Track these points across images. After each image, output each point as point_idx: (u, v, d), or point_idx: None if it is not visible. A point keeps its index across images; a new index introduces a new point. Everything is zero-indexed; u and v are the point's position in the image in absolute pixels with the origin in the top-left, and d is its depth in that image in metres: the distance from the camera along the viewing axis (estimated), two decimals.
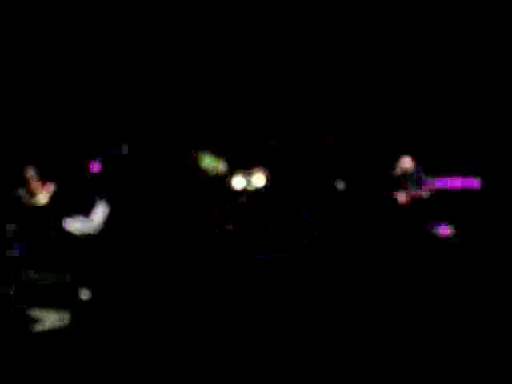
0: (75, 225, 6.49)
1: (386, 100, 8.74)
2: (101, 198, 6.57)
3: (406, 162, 7.80)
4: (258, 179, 7.11)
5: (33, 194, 6.70)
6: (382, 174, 7.68)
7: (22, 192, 6.64)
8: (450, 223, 7.40)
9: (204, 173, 7.22)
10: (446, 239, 7.14)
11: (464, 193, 7.64)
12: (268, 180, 7.15)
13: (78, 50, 8.17)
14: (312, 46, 8.40)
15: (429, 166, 7.88)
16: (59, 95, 8.02)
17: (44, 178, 6.80)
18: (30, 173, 6.73)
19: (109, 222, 6.50)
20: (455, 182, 7.89)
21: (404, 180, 7.81)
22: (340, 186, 7.34)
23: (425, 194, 7.62)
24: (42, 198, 6.73)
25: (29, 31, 8.11)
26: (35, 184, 6.72)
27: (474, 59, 8.52)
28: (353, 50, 8.55)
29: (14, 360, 4.95)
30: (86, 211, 6.54)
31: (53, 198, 6.69)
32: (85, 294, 5.87)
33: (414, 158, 7.67)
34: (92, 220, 6.54)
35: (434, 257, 6.63)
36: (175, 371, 4.81)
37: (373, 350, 4.88)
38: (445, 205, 7.54)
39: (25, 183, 6.70)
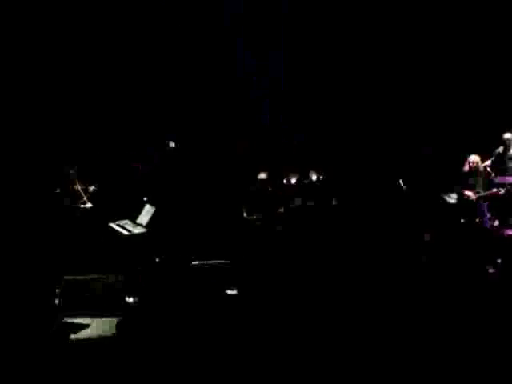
0: (124, 225, 6.39)
1: (453, 99, 8.67)
2: (147, 199, 6.49)
3: (475, 160, 7.55)
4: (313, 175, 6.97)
5: (77, 196, 6.68)
6: (451, 173, 7.52)
7: (66, 194, 6.64)
8: None
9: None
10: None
11: None
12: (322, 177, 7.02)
13: (127, 51, 8.22)
14: None
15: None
16: (105, 98, 8.07)
17: (88, 180, 6.80)
18: (72, 175, 6.75)
19: (156, 222, 6.35)
20: None
21: (472, 178, 7.57)
22: (404, 185, 7.13)
23: (501, 191, 7.36)
24: (87, 200, 6.69)
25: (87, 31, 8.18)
26: (79, 186, 6.71)
27: None
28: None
29: (59, 365, 4.80)
30: (132, 212, 6.44)
31: (98, 200, 6.65)
32: (132, 298, 5.70)
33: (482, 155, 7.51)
34: (139, 221, 6.40)
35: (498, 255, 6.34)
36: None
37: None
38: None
39: (69, 185, 6.70)
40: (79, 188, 6.67)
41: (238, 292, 5.64)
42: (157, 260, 6.09)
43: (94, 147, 7.62)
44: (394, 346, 4.64)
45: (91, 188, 6.71)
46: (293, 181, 7.19)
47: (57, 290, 5.65)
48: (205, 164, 7.32)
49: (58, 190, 6.62)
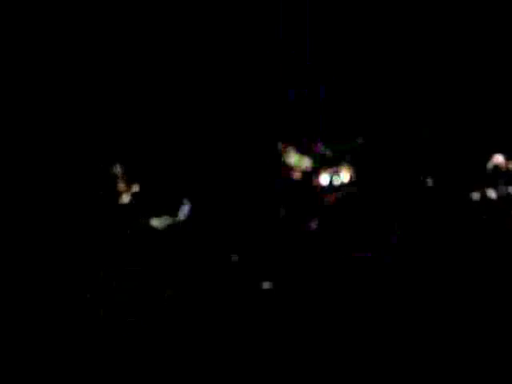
0: (160, 223, 6.53)
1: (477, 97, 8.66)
2: (185, 197, 6.60)
3: (498, 159, 7.67)
4: (344, 176, 7.04)
5: (118, 193, 6.82)
6: (472, 170, 7.57)
7: (106, 190, 6.76)
8: None
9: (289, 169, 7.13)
10: None
11: None
12: (354, 177, 7.07)
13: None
14: None
15: None
16: (147, 96, 8.12)
17: (130, 177, 6.92)
18: (117, 171, 6.89)
19: (192, 220, 6.49)
20: None
21: (495, 177, 7.68)
22: (429, 182, 7.21)
23: None
24: (126, 196, 6.83)
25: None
26: (121, 183, 6.85)
27: None
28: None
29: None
30: (170, 209, 6.57)
31: (138, 197, 6.79)
32: (168, 293, 5.86)
33: (506, 155, 7.58)
34: (177, 218, 6.54)
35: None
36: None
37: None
38: None
39: (111, 182, 6.85)
40: (122, 186, 6.80)
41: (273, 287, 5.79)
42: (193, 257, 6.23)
43: (140, 146, 7.69)
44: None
45: (135, 186, 6.83)
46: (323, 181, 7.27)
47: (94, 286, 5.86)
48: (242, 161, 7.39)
49: (103, 188, 6.77)
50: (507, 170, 7.47)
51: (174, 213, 6.48)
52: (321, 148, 7.23)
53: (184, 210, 6.52)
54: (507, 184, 7.33)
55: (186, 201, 6.55)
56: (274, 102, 8.02)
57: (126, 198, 6.75)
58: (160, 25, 8.22)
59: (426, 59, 8.39)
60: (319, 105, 7.98)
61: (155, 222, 6.43)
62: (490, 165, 7.55)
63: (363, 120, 7.76)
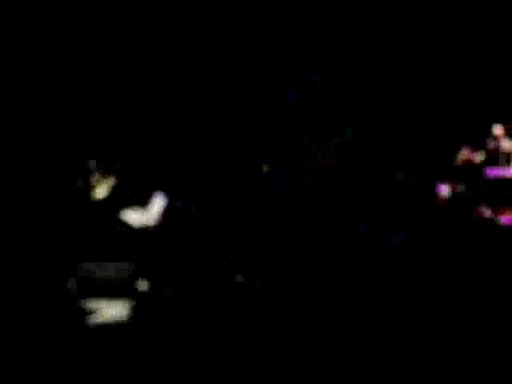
0: (134, 217, 6.57)
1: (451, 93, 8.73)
2: (159, 191, 6.63)
3: (468, 153, 7.74)
4: None
5: (93, 187, 6.88)
6: (442, 165, 7.64)
7: (82, 184, 6.82)
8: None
9: None
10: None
11: None
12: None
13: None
14: None
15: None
16: (121, 91, 8.10)
17: (105, 171, 6.93)
18: (92, 166, 6.91)
19: (167, 213, 6.55)
20: None
21: (465, 171, 7.76)
22: (400, 176, 7.28)
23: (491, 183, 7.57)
24: (102, 190, 6.92)
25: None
26: (96, 177, 6.91)
27: None
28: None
29: (70, 353, 4.99)
30: (144, 203, 6.65)
31: (112, 191, 6.81)
32: (143, 286, 5.91)
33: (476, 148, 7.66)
34: (150, 212, 6.62)
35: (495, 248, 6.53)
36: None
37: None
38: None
39: (86, 176, 6.89)
40: (99, 179, 6.83)
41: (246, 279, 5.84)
42: (169, 249, 6.28)
43: (115, 140, 7.67)
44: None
45: (110, 180, 6.86)
46: None
47: (72, 276, 5.91)
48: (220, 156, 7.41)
49: (79, 182, 6.80)
50: (473, 162, 7.58)
51: (148, 208, 6.52)
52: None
53: (159, 205, 6.56)
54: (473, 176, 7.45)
55: (161, 196, 6.58)
56: (271, 102, 8.06)
57: (101, 192, 6.79)
58: (159, 23, 8.21)
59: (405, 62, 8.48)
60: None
61: (129, 217, 6.47)
62: (457, 158, 7.64)
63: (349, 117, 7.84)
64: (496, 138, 8.07)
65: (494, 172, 7.85)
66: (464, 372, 4.47)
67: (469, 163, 7.53)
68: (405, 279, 5.84)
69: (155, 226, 6.49)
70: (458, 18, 8.60)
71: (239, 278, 5.91)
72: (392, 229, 6.66)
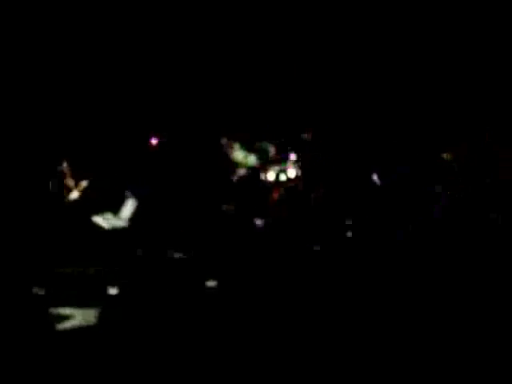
0: (105, 219, 6.53)
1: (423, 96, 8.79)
2: (130, 193, 6.60)
3: (444, 156, 7.77)
4: (291, 172, 7.08)
5: (66, 190, 6.81)
6: (420, 169, 7.67)
7: (54, 187, 6.75)
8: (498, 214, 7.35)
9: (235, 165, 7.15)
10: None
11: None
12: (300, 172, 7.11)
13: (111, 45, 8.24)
14: None
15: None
16: (96, 93, 8.09)
17: (77, 174, 6.87)
18: (64, 168, 6.86)
19: (137, 216, 6.50)
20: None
21: (443, 174, 7.78)
22: (375, 179, 7.28)
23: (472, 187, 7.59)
24: (75, 193, 6.84)
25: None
26: (68, 180, 6.84)
27: None
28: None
29: (39, 358, 4.94)
30: (115, 206, 6.58)
31: (84, 194, 6.74)
32: (113, 290, 5.86)
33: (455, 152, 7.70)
34: (121, 215, 6.55)
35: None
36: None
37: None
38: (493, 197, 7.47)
39: (58, 178, 6.83)
40: (71, 182, 6.78)
41: (217, 284, 5.80)
42: (139, 253, 6.23)
43: (87, 142, 7.68)
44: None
45: (83, 183, 6.83)
46: (270, 177, 7.31)
47: (42, 282, 5.83)
48: (187, 157, 7.41)
49: (51, 185, 6.75)
50: (451, 165, 7.60)
51: (118, 210, 6.49)
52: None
53: (128, 208, 6.53)
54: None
55: (130, 199, 6.55)
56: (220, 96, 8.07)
57: (73, 195, 6.75)
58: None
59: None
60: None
61: (99, 220, 6.43)
62: (436, 162, 7.66)
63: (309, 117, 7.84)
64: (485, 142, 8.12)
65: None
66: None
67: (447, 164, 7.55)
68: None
69: (125, 229, 6.45)
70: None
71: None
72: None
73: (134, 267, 6.02)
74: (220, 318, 5.38)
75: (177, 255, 6.11)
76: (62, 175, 6.77)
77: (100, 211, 6.46)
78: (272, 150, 7.26)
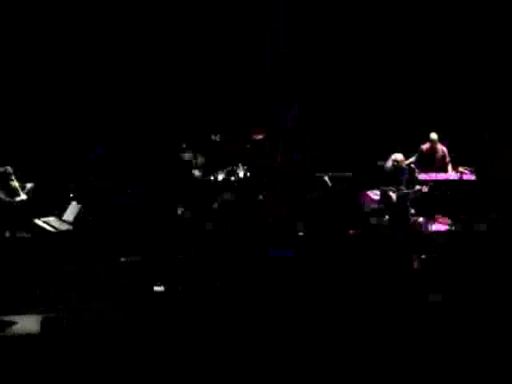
0: (49, 222, 6.43)
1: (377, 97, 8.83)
2: (73, 197, 6.54)
3: (398, 158, 7.73)
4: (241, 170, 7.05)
5: (11, 193, 6.69)
6: (373, 170, 7.69)
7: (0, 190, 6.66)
8: (444, 216, 7.38)
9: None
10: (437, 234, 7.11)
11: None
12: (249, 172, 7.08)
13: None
14: None
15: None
16: (40, 100, 8.03)
17: (22, 178, 6.78)
18: (9, 172, 6.74)
19: (81, 218, 6.40)
20: (447, 176, 7.97)
21: (395, 175, 7.75)
22: (328, 180, 7.26)
23: (425, 188, 7.56)
24: (21, 196, 6.72)
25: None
26: (14, 183, 6.72)
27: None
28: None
29: None
30: (59, 209, 6.48)
31: (30, 197, 6.63)
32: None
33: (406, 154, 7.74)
34: (65, 218, 6.44)
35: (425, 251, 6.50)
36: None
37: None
38: (439, 198, 7.49)
39: (3, 182, 6.70)
40: (16, 184, 6.65)
41: (164, 289, 5.71)
42: (83, 257, 6.14)
43: (32, 145, 7.62)
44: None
45: (28, 185, 6.72)
46: (220, 177, 7.25)
47: None
48: (134, 161, 7.35)
49: None
50: (404, 167, 7.61)
51: (61, 213, 6.40)
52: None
53: (72, 211, 6.42)
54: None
55: (74, 202, 6.47)
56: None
57: (18, 197, 6.65)
58: None
59: None
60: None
61: (42, 222, 6.32)
62: (388, 163, 7.65)
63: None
64: (432, 144, 8.11)
65: (426, 176, 7.88)
66: None
67: (400, 168, 7.51)
68: None
69: (69, 230, 6.34)
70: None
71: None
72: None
73: (80, 269, 5.93)
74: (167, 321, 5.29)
75: (123, 258, 6.02)
76: (7, 177, 6.68)
77: (44, 214, 6.40)
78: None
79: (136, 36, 8.27)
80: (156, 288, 5.69)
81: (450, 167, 8.24)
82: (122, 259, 6.02)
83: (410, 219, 7.18)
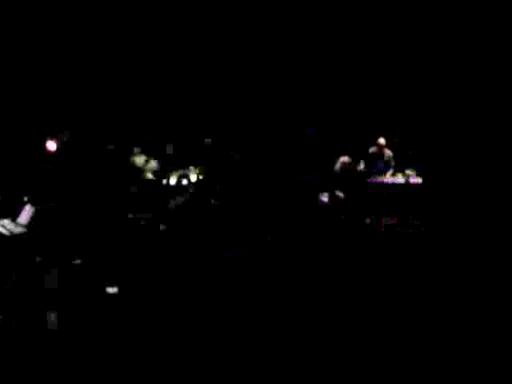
0: (4, 224, 6.39)
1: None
2: (27, 200, 6.51)
3: (347, 161, 7.88)
4: (193, 176, 7.09)
5: None
6: (323, 172, 7.80)
7: None
8: (393, 216, 7.53)
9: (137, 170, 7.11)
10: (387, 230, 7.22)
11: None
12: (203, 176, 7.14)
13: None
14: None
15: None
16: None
17: None
18: None
19: (35, 221, 6.39)
20: (397, 179, 8.14)
21: (344, 178, 7.90)
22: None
23: (369, 189, 7.72)
24: None
25: None
26: None
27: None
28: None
29: None
30: (13, 212, 6.46)
31: None
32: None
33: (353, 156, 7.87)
34: (19, 221, 6.41)
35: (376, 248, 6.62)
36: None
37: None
38: (391, 199, 7.62)
39: None
40: None
41: (118, 291, 5.73)
42: (37, 260, 6.12)
43: None
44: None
45: None
46: (172, 182, 7.31)
47: None
48: (87, 163, 7.35)
49: None
50: (352, 169, 7.77)
51: (15, 216, 6.37)
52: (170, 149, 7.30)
53: (26, 214, 6.40)
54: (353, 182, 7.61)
55: (28, 205, 6.44)
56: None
57: None
58: None
59: None
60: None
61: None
62: (337, 166, 7.81)
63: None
64: (379, 148, 8.28)
65: (373, 180, 8.05)
66: None
67: (350, 171, 7.66)
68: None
69: (24, 233, 6.33)
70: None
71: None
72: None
73: (33, 273, 5.92)
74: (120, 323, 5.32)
75: (77, 261, 6.03)
76: None
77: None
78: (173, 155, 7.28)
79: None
80: (109, 290, 5.73)
81: (389, 172, 8.39)
82: (75, 261, 6.04)
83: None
